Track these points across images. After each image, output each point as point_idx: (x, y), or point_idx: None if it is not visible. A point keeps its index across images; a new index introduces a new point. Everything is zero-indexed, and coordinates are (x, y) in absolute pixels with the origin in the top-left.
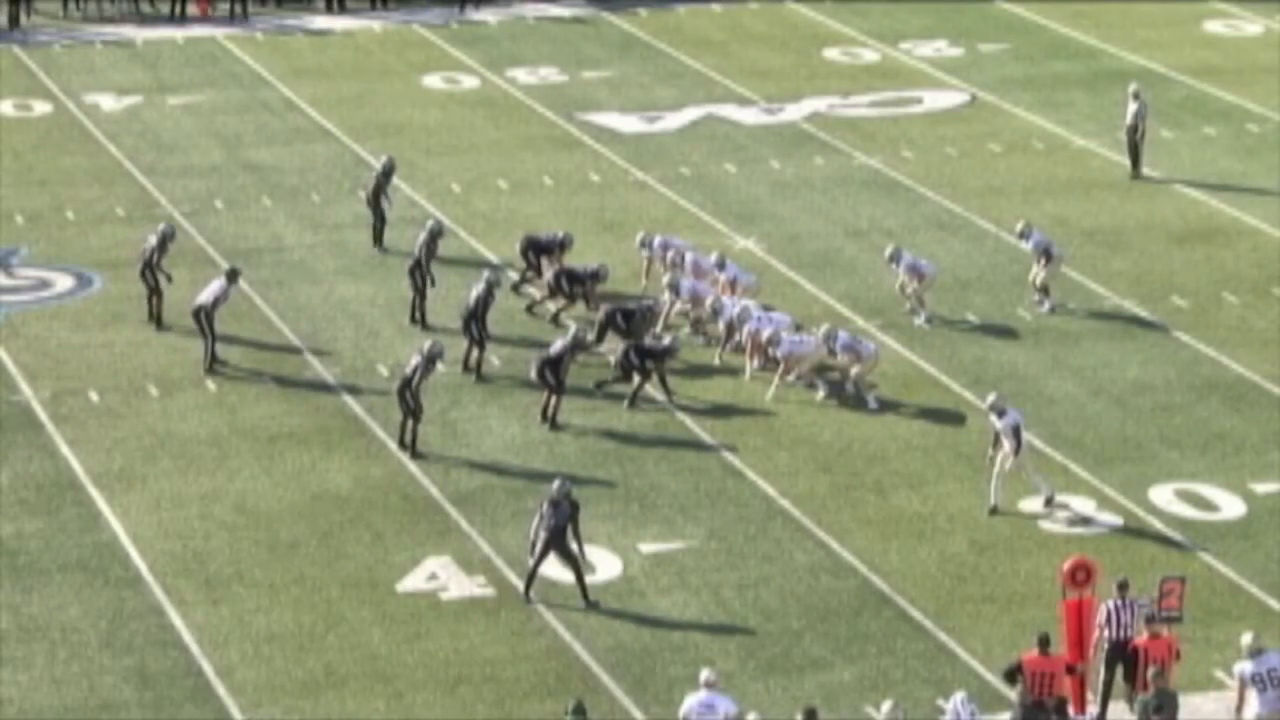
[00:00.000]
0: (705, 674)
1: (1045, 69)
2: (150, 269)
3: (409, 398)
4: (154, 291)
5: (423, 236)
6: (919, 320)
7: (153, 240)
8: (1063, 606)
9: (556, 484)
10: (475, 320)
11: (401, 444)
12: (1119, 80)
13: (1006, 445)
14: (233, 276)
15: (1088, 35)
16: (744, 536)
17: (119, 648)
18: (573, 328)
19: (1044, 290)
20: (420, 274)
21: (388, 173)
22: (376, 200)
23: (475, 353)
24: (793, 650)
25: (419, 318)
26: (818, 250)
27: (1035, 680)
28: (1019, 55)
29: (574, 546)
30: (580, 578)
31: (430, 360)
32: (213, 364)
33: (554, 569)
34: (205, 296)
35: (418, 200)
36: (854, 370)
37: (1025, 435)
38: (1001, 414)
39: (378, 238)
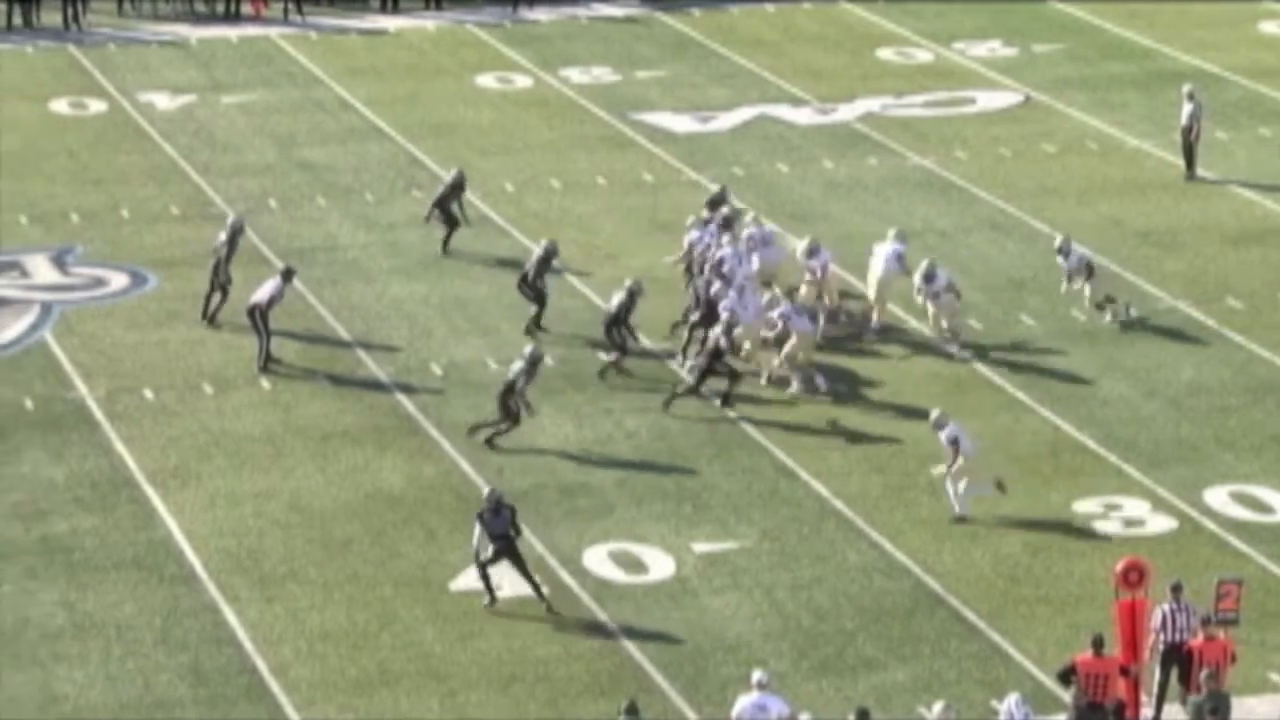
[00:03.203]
0: (757, 675)
1: (1099, 69)
2: (221, 265)
3: (513, 403)
4: (215, 289)
5: (537, 253)
6: (955, 349)
7: (222, 236)
8: (1116, 608)
9: (487, 491)
10: (616, 326)
11: (487, 441)
12: (1173, 81)
13: (948, 458)
14: (288, 276)
15: (1142, 36)
16: (797, 537)
17: (174, 645)
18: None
19: (1107, 300)
20: (527, 287)
21: (458, 185)
22: (445, 209)
23: (614, 355)
24: (846, 651)
25: (534, 327)
26: (870, 250)
27: (1089, 681)
28: (1073, 56)
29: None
30: (534, 582)
31: (533, 364)
32: (267, 362)
33: (605, 569)
34: (260, 295)
35: (471, 199)
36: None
37: (967, 444)
38: (941, 428)
39: (446, 243)
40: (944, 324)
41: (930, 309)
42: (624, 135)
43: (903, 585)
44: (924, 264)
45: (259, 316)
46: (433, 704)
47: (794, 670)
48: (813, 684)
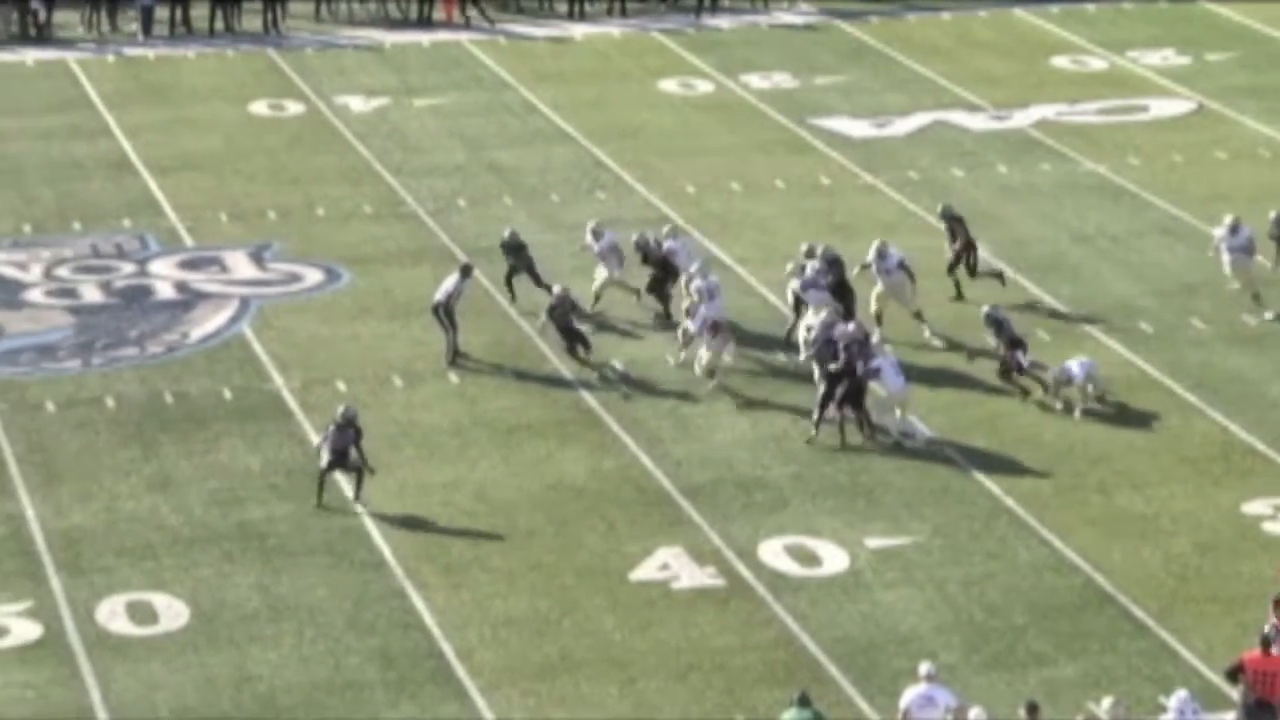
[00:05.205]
0: (925, 667)
1: (1272, 78)
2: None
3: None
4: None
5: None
6: (926, 333)
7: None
8: None
9: (342, 409)
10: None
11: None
12: None
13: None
14: (466, 272)
15: None
16: (969, 534)
17: (363, 629)
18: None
19: None
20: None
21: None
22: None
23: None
24: (1016, 646)
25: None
26: (1043, 254)
27: (1257, 680)
28: (1245, 64)
29: (356, 461)
30: (360, 483)
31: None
32: (455, 357)
33: (780, 562)
34: (440, 293)
35: (652, 201)
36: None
37: (890, 379)
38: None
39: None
40: (894, 302)
41: (877, 286)
42: (802, 140)
43: (1073, 582)
44: (877, 242)
45: (443, 313)
46: (612, 690)
47: (964, 664)
48: (983, 678)
